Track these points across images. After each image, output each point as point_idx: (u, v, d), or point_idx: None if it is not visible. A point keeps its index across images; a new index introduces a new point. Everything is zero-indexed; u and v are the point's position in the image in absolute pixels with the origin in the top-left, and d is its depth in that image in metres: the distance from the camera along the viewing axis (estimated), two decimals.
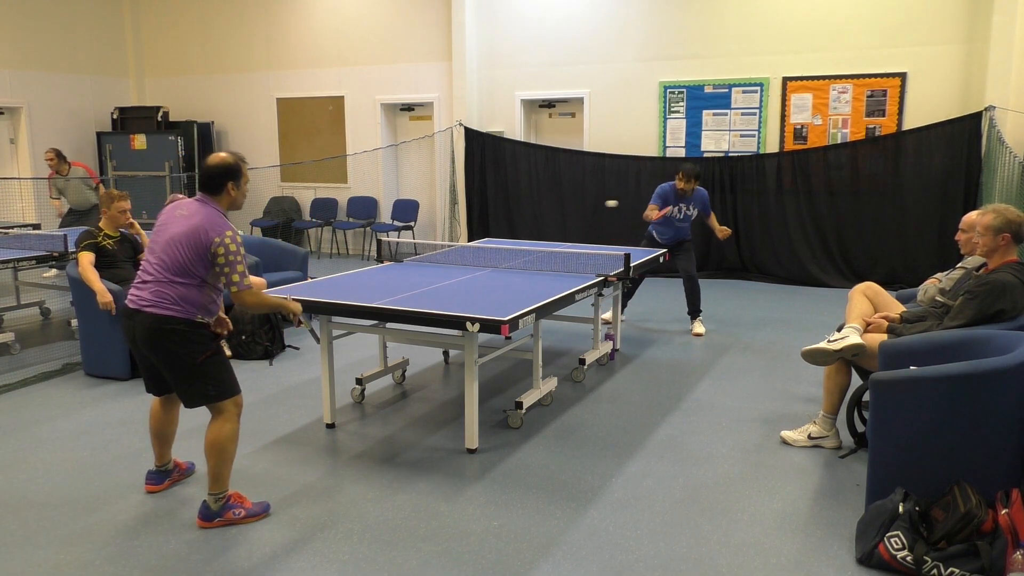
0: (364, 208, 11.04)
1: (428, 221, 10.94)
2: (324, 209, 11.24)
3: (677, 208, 6.33)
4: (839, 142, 8.42)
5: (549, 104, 10.16)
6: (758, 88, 8.72)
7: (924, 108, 8.08)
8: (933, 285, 4.22)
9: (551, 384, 4.72)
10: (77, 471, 3.82)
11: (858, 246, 8.41)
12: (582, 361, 5.20)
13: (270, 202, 11.52)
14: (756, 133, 8.81)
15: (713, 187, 8.80)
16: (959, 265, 4.22)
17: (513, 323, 3.61)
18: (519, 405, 4.38)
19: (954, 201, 7.89)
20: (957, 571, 2.72)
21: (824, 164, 8.40)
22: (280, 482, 3.67)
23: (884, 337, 3.79)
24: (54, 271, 8.33)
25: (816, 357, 3.85)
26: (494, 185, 9.98)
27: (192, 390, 3.18)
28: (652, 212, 6.20)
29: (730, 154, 8.89)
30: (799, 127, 8.63)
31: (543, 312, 3.98)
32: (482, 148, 9.96)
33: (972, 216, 3.98)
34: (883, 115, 8.26)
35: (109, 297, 5.08)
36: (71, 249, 5.84)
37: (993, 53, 7.60)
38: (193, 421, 4.29)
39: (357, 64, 10.90)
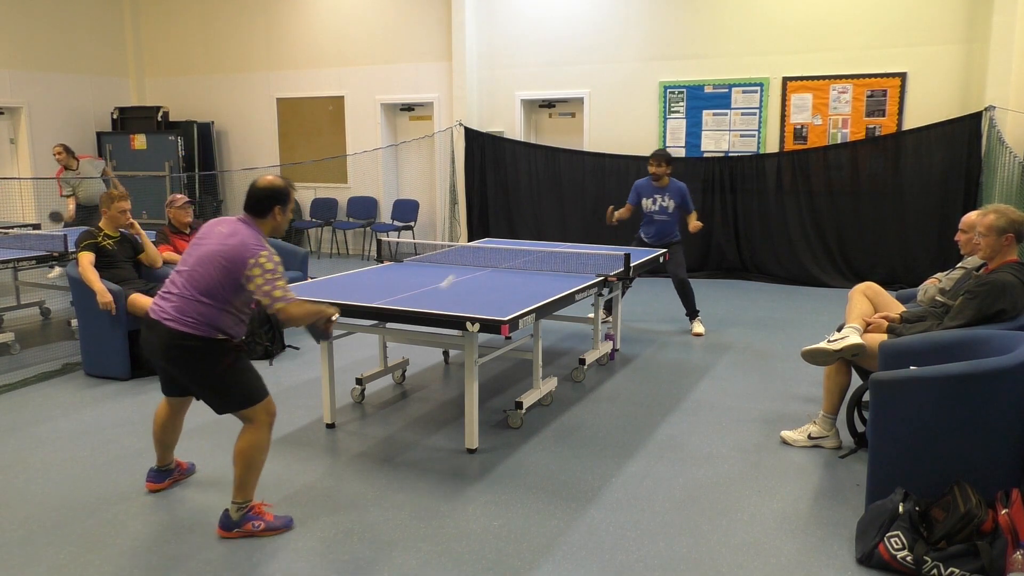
0: (364, 208, 11.04)
1: (428, 221, 10.94)
2: (324, 209, 11.24)
3: (652, 199, 6.28)
4: (839, 142, 8.42)
5: (549, 104, 10.16)
6: (758, 88, 8.72)
7: (924, 108, 8.08)
8: (933, 285, 4.22)
9: (551, 384, 4.72)
10: (77, 471, 3.82)
11: (858, 246, 8.41)
12: (582, 361, 5.20)
13: None
14: (756, 133, 8.81)
15: (713, 187, 8.81)
16: (959, 265, 4.22)
17: (513, 323, 3.61)
18: (519, 405, 4.38)
19: (954, 201, 7.89)
20: (957, 571, 2.72)
21: (824, 164, 8.40)
22: (280, 482, 3.67)
23: (884, 337, 3.79)
24: (57, 270, 8.34)
25: (816, 357, 3.85)
26: (494, 185, 9.98)
27: (218, 399, 3.13)
28: (608, 214, 6.23)
29: (730, 154, 8.89)
30: (799, 127, 8.63)
31: (543, 312, 3.98)
32: (482, 148, 9.96)
33: (972, 216, 3.97)
34: (883, 115, 8.26)
35: (109, 297, 5.08)
36: (71, 249, 5.84)
37: (993, 53, 7.60)
38: (193, 421, 4.29)
39: (357, 64, 10.90)
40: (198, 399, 3.27)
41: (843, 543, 3.09)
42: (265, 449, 3.18)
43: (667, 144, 9.19)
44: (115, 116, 11.73)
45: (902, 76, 8.12)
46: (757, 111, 8.78)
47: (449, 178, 10.29)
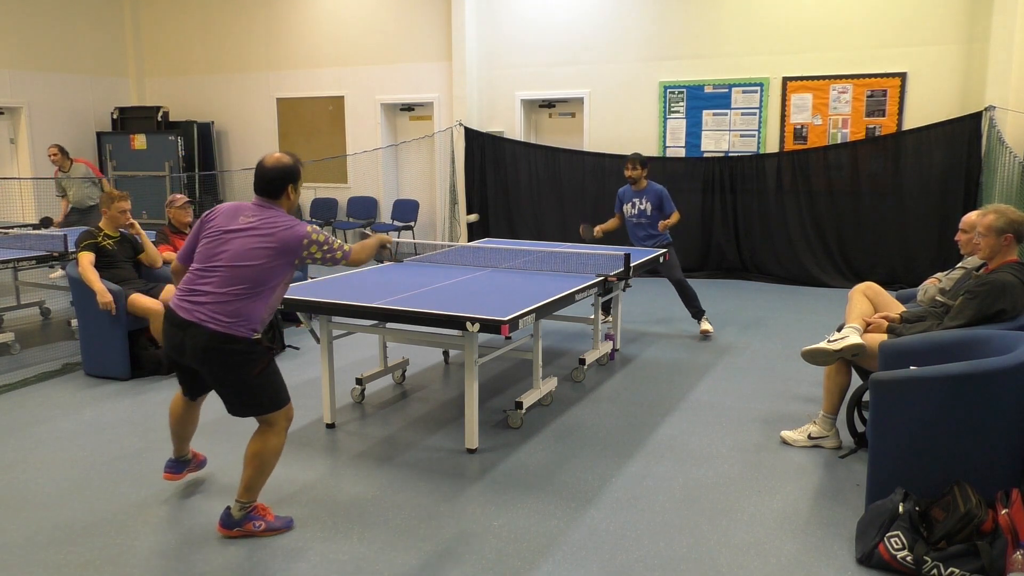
0: (364, 208, 11.04)
1: (428, 221, 10.94)
2: (324, 209, 11.24)
3: (631, 203, 6.25)
4: (839, 142, 8.42)
5: (549, 104, 10.17)
6: (758, 88, 8.72)
7: (924, 108, 8.08)
8: (933, 285, 4.22)
9: (551, 384, 4.72)
10: (77, 471, 3.82)
11: (858, 246, 8.41)
12: (582, 361, 5.20)
13: None
14: (756, 133, 8.81)
15: (713, 187, 8.81)
16: (959, 265, 4.22)
17: (513, 323, 3.61)
18: (519, 405, 4.38)
19: (954, 201, 7.89)
20: (957, 571, 2.72)
21: (824, 164, 8.40)
22: (280, 482, 3.66)
23: (884, 337, 3.79)
24: (60, 271, 8.33)
25: (816, 357, 3.85)
26: (494, 185, 9.98)
27: (244, 402, 3.08)
28: (584, 231, 6.26)
29: (730, 154, 8.89)
30: (799, 127, 8.63)
31: (543, 312, 3.98)
32: (482, 148, 9.96)
33: (972, 216, 3.97)
34: (883, 115, 8.26)
35: (109, 297, 5.08)
36: (71, 249, 5.84)
37: (993, 53, 7.60)
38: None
39: (357, 64, 10.90)
40: (222, 400, 3.14)
41: (843, 543, 3.09)
42: (279, 453, 3.16)
43: (667, 144, 9.19)
44: (115, 116, 11.74)
45: (902, 76, 8.12)
46: (757, 111, 8.78)
47: (449, 178, 10.29)
